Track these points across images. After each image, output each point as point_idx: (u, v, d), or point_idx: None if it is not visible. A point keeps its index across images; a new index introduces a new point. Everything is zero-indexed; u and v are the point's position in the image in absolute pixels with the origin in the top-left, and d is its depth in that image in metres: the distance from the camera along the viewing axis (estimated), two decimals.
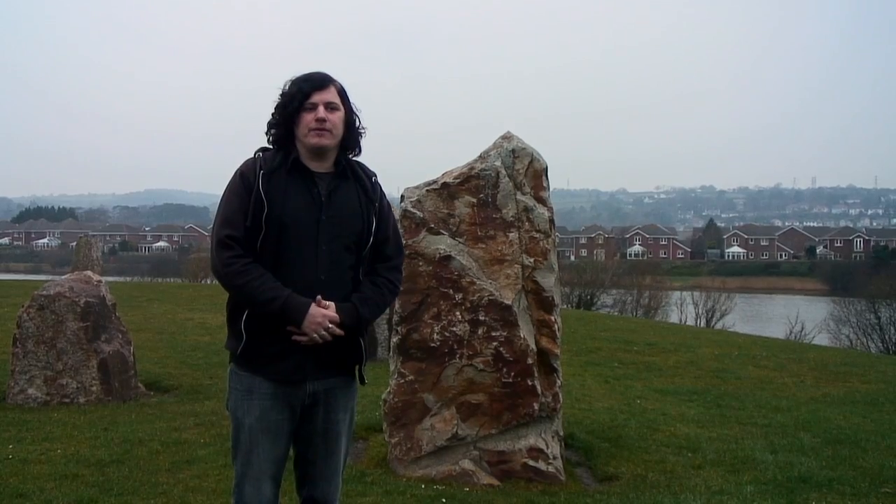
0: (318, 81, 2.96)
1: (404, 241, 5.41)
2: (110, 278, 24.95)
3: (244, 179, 2.93)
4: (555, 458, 5.42)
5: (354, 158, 3.10)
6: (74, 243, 29.25)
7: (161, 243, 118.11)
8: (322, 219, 2.93)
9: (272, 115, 3.00)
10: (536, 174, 5.55)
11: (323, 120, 2.91)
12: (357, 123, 3.06)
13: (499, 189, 5.45)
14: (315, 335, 2.85)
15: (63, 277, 8.63)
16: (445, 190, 5.48)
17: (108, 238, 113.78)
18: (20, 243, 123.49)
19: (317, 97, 2.93)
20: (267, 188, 2.89)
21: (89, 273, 8.66)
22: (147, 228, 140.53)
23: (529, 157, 5.55)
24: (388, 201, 3.16)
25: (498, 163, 5.48)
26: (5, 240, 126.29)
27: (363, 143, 3.11)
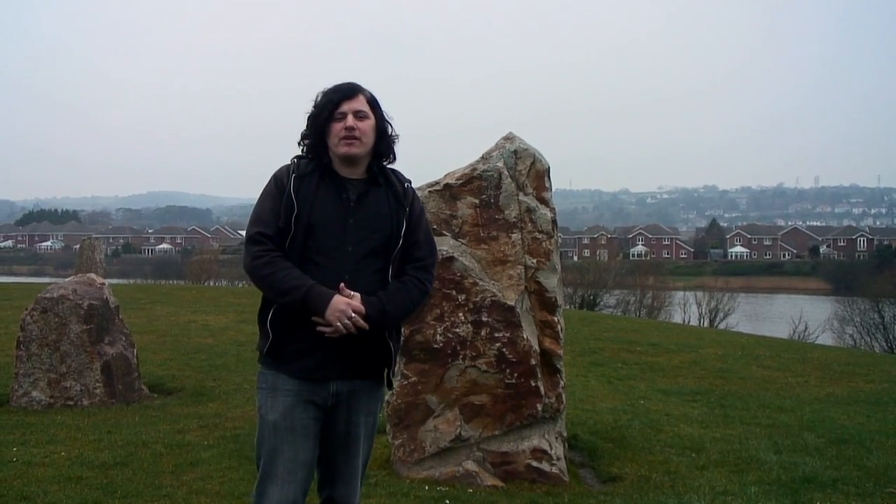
0: (346, 91, 3.02)
1: None
2: (113, 280, 24.99)
3: (277, 182, 3.02)
4: (558, 458, 5.42)
5: (389, 166, 3.14)
6: (77, 246, 29.32)
7: (164, 245, 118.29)
8: (350, 222, 2.98)
9: (306, 125, 3.06)
10: (539, 175, 5.55)
11: (352, 128, 2.96)
12: (389, 131, 3.10)
13: (501, 190, 5.45)
14: (339, 324, 2.85)
15: (66, 280, 8.64)
16: (448, 191, 5.48)
17: (111, 240, 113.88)
18: (23, 246, 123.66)
19: (346, 106, 2.99)
20: (297, 191, 2.96)
21: (92, 275, 8.67)
22: (150, 231, 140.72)
23: (532, 157, 5.55)
24: (421, 206, 3.18)
25: (500, 164, 5.48)
26: (9, 242, 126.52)
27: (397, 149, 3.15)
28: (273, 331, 2.97)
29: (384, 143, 3.08)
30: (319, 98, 3.05)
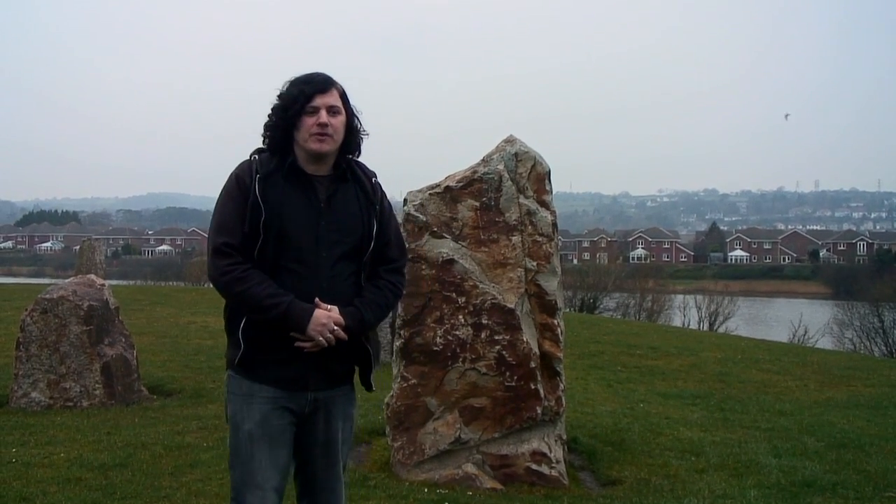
0: (320, 84, 2.87)
1: (407, 245, 5.42)
2: (113, 282, 24.98)
3: (240, 183, 2.85)
4: (558, 461, 5.42)
5: (354, 159, 3.02)
6: (78, 247, 29.33)
7: (164, 247, 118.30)
8: (322, 224, 2.86)
9: (269, 116, 2.90)
10: (539, 177, 5.55)
11: (325, 125, 2.83)
12: (358, 126, 2.98)
13: (502, 193, 5.45)
14: (320, 338, 2.77)
15: (66, 281, 8.64)
16: (448, 193, 5.48)
17: (111, 242, 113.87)
18: (23, 247, 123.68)
19: (319, 101, 2.85)
20: (264, 193, 2.81)
21: (92, 277, 8.67)
22: (150, 232, 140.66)
23: (532, 160, 5.55)
24: (388, 202, 3.07)
25: (501, 166, 5.48)
26: (9, 243, 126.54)
27: (363, 145, 3.03)
28: (246, 341, 2.84)
29: (353, 139, 2.96)
30: (289, 88, 2.88)
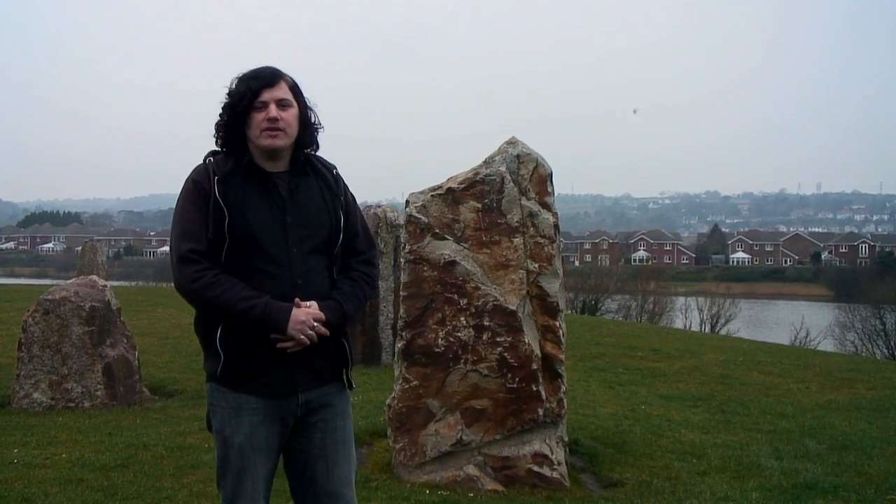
0: (267, 78, 2.78)
1: (409, 247, 5.42)
2: (115, 283, 25.01)
3: (198, 187, 2.76)
4: (559, 463, 5.42)
5: (312, 153, 2.95)
6: (79, 248, 29.36)
7: (166, 248, 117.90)
8: (288, 220, 2.79)
9: (220, 115, 2.82)
10: (541, 179, 5.55)
11: (275, 119, 2.75)
12: (313, 119, 2.90)
13: (503, 194, 5.45)
14: (302, 337, 2.69)
15: (68, 282, 8.65)
16: (450, 195, 5.49)
17: (112, 243, 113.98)
18: (25, 248, 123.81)
19: (267, 95, 2.76)
20: (224, 195, 2.73)
21: (94, 277, 8.68)
22: (152, 233, 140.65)
23: (534, 162, 5.55)
24: (352, 194, 3.00)
25: (503, 168, 5.48)
26: (11, 244, 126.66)
27: (320, 139, 2.95)
28: (225, 351, 2.75)
29: (307, 132, 2.87)
30: (236, 85, 2.79)
